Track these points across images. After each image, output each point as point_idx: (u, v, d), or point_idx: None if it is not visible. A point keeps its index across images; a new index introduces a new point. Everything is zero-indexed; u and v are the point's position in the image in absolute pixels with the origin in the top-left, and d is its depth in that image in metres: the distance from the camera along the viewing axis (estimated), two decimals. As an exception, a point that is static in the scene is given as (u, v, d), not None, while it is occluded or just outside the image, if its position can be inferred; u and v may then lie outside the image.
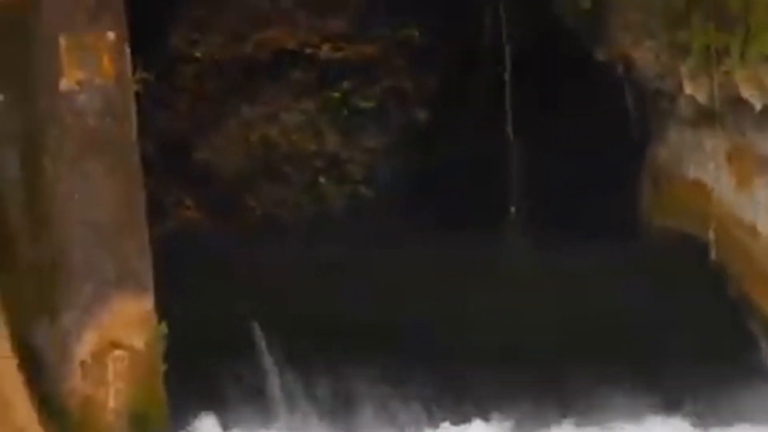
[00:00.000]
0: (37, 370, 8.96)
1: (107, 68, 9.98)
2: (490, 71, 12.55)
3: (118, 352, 9.66)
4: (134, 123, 10.08)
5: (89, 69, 9.91)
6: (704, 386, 10.82)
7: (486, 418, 10.24)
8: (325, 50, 12.64)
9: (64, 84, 9.83)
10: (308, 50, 12.61)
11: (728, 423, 10.69)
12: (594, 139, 12.20)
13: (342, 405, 10.15)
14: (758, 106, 11.46)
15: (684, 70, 11.83)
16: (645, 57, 12.13)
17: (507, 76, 12.44)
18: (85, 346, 9.59)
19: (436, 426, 10.21)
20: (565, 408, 10.40)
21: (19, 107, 9.58)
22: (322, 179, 12.85)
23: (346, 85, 12.82)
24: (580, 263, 11.61)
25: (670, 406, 10.61)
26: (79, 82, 9.84)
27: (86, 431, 9.50)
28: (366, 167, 12.97)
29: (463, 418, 10.23)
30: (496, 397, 10.31)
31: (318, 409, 10.11)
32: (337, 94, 12.85)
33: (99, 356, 9.61)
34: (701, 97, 11.81)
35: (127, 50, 10.05)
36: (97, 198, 9.89)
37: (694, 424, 10.59)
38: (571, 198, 12.14)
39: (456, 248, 11.56)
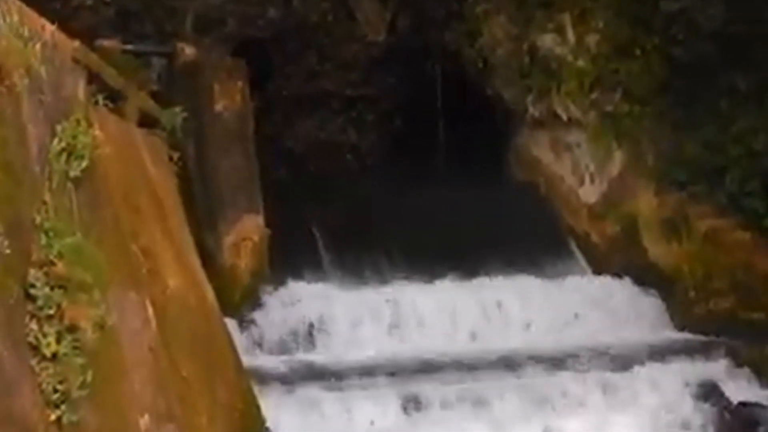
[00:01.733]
0: (206, 253, 8.75)
1: (238, 100, 10.07)
2: (432, 99, 12.24)
3: (246, 242, 9.83)
4: (251, 127, 10.11)
5: (229, 100, 10.01)
6: (534, 256, 10.72)
7: (423, 269, 10.16)
8: (348, 90, 12.46)
9: (217, 108, 9.96)
10: (340, 90, 12.40)
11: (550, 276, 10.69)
12: (484, 134, 11.93)
13: (358, 267, 10.09)
14: (565, 118, 11.40)
15: (528, 100, 11.69)
16: (509, 93, 11.90)
17: (439, 104, 12.22)
18: (230, 240, 9.78)
19: (409, 279, 10.10)
20: (457, 267, 10.28)
21: (193, 119, 9.37)
22: (348, 156, 12.72)
23: (359, 107, 12.66)
24: (479, 197, 11.35)
25: (514, 266, 10.47)
26: (224, 107, 9.98)
27: (231, 280, 9.62)
28: (369, 149, 12.79)
29: (415, 272, 10.13)
30: (435, 260, 10.23)
31: (348, 270, 10.06)
32: (354, 113, 12.71)
33: (237, 244, 9.79)
34: (537, 114, 11.69)
35: (248, 91, 10.11)
36: (233, 166, 9.97)
37: (532, 275, 10.49)
38: (474, 164, 11.75)
39: (413, 189, 11.39)
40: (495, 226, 10.98)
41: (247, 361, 8.06)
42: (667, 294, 10.67)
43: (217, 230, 9.74)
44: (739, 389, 9.54)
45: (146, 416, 5.71)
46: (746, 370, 9.78)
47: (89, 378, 4.88)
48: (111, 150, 6.25)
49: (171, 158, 8.39)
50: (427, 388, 8.72)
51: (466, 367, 9.06)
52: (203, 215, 9.50)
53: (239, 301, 9.50)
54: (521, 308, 10.13)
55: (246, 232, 9.81)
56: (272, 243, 9.89)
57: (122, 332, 5.74)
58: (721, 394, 9.39)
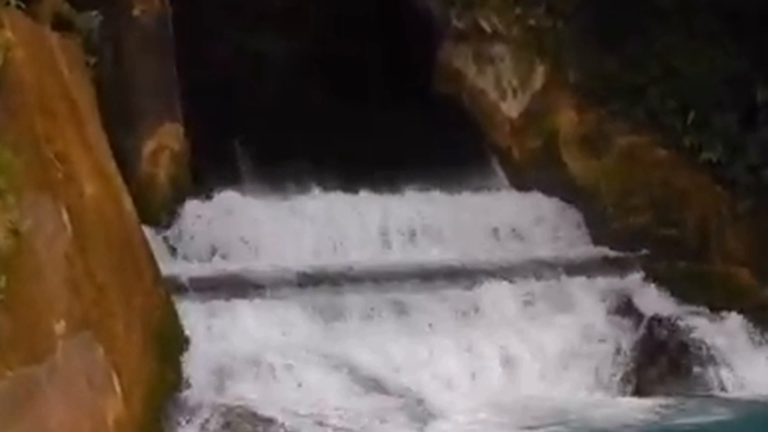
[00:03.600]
0: (124, 161, 8.67)
1: (157, 4, 9.85)
2: (363, 11, 12.00)
3: (165, 150, 9.74)
4: (171, 32, 9.91)
5: (147, 4, 9.78)
6: (455, 170, 10.65)
7: (344, 182, 10.12)
8: (276, 1, 12.19)
9: (134, 11, 9.74)
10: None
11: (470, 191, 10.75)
12: (412, 44, 11.87)
13: (279, 179, 9.97)
14: (489, 31, 11.36)
15: (452, 12, 11.54)
16: (434, 5, 11.68)
17: (369, 16, 12.05)
18: (149, 148, 9.67)
19: (329, 191, 10.09)
20: (378, 180, 10.26)
21: (110, 23, 9.23)
22: (274, 67, 12.08)
23: (288, 18, 12.20)
24: (404, 111, 11.22)
25: (434, 180, 10.48)
26: (142, 11, 9.77)
27: (150, 188, 9.54)
28: (296, 61, 12.26)
29: (336, 184, 10.12)
30: (356, 173, 10.13)
31: (268, 181, 9.93)
32: (282, 24, 12.17)
33: (156, 153, 9.70)
34: (461, 26, 11.55)
35: (166, -4, 10.02)
36: (152, 72, 9.80)
37: (452, 189, 10.54)
38: (400, 77, 11.70)
39: (338, 103, 11.30)
40: (417, 140, 10.96)
41: (165, 269, 8.11)
42: (586, 209, 10.86)
43: (136, 138, 9.64)
44: (653, 303, 9.87)
45: (62, 322, 5.80)
46: (660, 284, 10.14)
47: (3, 283, 4.93)
48: (24, 53, 6.24)
49: (87, 63, 8.29)
50: (346, 299, 8.88)
51: (385, 278, 9.20)
52: (121, 122, 9.30)
53: (158, 209, 9.46)
54: (440, 222, 10.21)
55: (165, 141, 9.73)
56: (192, 152, 9.84)
57: (37, 238, 5.79)
58: (635, 309, 9.70)
